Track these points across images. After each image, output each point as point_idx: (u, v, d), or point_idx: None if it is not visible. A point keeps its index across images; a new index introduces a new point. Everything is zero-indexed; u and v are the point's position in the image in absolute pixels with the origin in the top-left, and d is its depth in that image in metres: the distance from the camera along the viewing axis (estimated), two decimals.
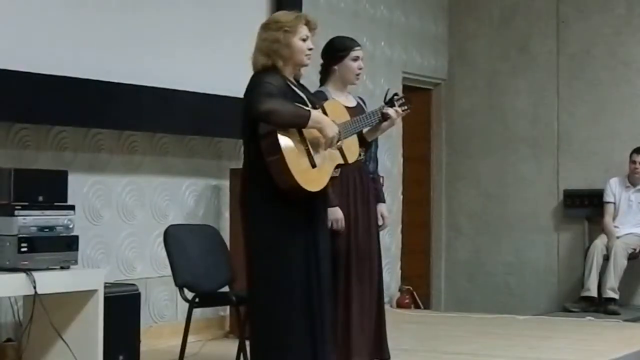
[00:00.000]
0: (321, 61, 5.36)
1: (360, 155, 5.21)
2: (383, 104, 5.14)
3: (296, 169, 4.34)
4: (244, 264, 4.58)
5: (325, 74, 5.34)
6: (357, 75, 5.31)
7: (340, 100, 5.19)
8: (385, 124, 5.09)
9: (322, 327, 4.50)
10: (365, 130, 5.06)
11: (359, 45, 5.35)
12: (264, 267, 4.44)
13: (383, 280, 5.50)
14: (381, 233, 5.50)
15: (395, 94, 5.19)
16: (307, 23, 4.53)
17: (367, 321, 5.25)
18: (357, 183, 5.27)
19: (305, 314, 4.44)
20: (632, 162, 9.15)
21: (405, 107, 5.15)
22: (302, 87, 4.64)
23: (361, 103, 5.40)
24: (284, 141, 4.35)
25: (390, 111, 5.05)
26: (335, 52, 5.30)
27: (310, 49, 4.53)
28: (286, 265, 4.41)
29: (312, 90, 5.12)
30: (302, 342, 4.43)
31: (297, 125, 4.39)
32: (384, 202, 5.53)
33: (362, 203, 5.28)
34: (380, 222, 5.47)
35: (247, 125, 4.44)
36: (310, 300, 4.45)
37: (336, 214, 5.08)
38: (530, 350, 6.71)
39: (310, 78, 5.87)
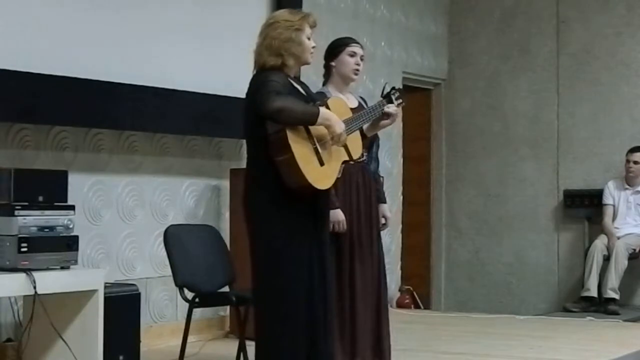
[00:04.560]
0: (323, 63, 5.40)
1: (362, 155, 5.23)
2: (381, 98, 5.14)
3: (306, 168, 4.33)
4: (244, 264, 4.57)
5: (327, 75, 5.38)
6: (355, 70, 5.31)
7: None
8: (386, 121, 5.09)
9: (325, 328, 4.49)
10: (365, 125, 5.06)
11: (357, 42, 5.38)
12: (269, 269, 4.42)
13: (386, 281, 5.51)
14: (381, 233, 5.51)
15: (393, 88, 5.19)
16: (310, 23, 4.54)
17: (370, 321, 5.26)
18: (359, 183, 5.28)
19: (308, 316, 4.43)
20: (627, 161, 9.16)
21: (401, 101, 5.17)
22: (303, 85, 4.65)
23: (362, 103, 5.41)
24: (293, 140, 4.33)
25: (392, 109, 5.05)
26: (333, 48, 5.36)
27: (313, 47, 4.55)
28: (292, 266, 4.39)
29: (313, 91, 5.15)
30: (305, 345, 4.42)
31: (307, 123, 4.38)
32: (385, 202, 5.54)
33: (365, 203, 5.29)
34: (382, 222, 5.48)
35: (252, 124, 4.41)
36: (313, 302, 4.44)
37: (338, 216, 5.08)
38: (530, 350, 6.71)
39: (309, 78, 5.87)
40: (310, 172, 4.34)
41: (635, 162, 9.10)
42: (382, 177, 5.61)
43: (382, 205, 5.49)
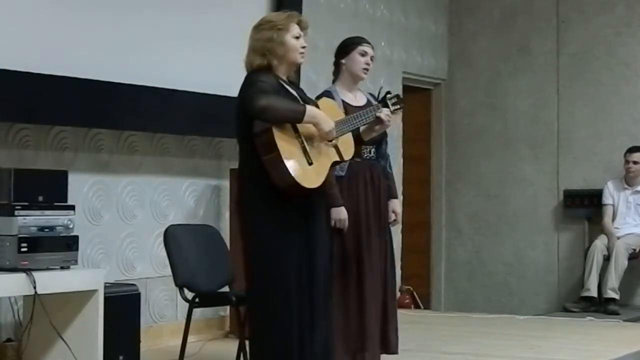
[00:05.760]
0: (329, 65, 5.43)
1: (370, 153, 5.26)
2: (376, 102, 5.15)
3: (293, 167, 4.33)
4: (243, 264, 4.58)
5: (336, 72, 5.41)
6: (365, 69, 5.34)
7: (347, 99, 5.28)
8: (377, 126, 5.10)
9: (312, 324, 4.49)
10: (362, 128, 5.07)
11: (368, 42, 5.42)
12: (260, 267, 4.44)
13: (395, 276, 5.54)
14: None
15: (388, 92, 5.19)
16: (299, 22, 4.55)
17: (381, 316, 5.29)
18: (367, 180, 5.30)
19: (298, 313, 4.43)
20: (626, 161, 9.17)
21: (398, 107, 5.17)
22: (296, 87, 4.65)
23: (372, 100, 5.42)
24: (280, 138, 4.33)
25: (382, 115, 5.04)
26: (345, 47, 5.40)
27: (303, 47, 4.54)
28: (282, 265, 4.40)
29: (320, 91, 5.18)
30: (296, 340, 4.42)
31: (292, 120, 4.39)
32: (396, 197, 5.56)
33: (373, 200, 5.32)
34: (392, 218, 5.49)
35: (242, 124, 4.43)
36: (302, 299, 4.44)
37: (340, 214, 5.10)
38: (530, 350, 6.71)
39: (310, 78, 5.87)
40: (297, 171, 4.34)
41: (635, 162, 9.11)
42: (392, 172, 5.61)
43: (393, 200, 5.51)
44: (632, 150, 9.15)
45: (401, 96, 5.28)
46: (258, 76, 4.41)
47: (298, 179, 4.34)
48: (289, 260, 4.41)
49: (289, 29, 4.49)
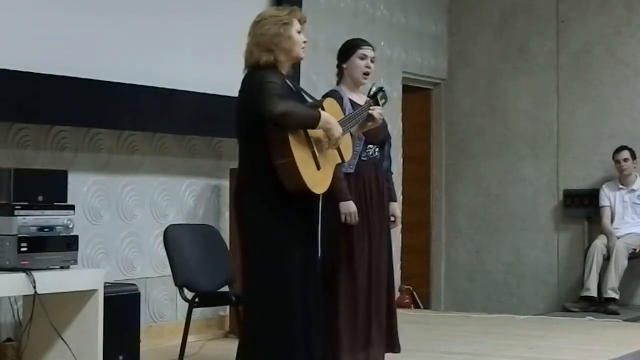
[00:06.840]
0: (329, 64, 5.42)
1: (375, 153, 5.31)
2: (368, 98, 5.16)
3: (305, 173, 4.33)
4: (241, 265, 4.57)
5: (339, 75, 5.42)
6: (365, 74, 5.34)
7: (354, 99, 5.31)
8: (370, 124, 5.11)
9: (313, 327, 4.47)
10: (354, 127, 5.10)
11: (368, 45, 5.40)
12: (262, 268, 4.41)
13: (394, 276, 5.55)
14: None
15: (380, 89, 5.20)
16: (299, 18, 4.54)
17: (383, 315, 5.31)
18: (372, 181, 5.34)
19: (301, 316, 4.41)
20: (617, 162, 9.21)
21: (384, 101, 5.19)
22: (293, 82, 4.64)
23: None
24: (295, 144, 4.32)
25: (375, 113, 5.06)
26: (345, 50, 5.40)
27: (304, 42, 4.53)
28: (284, 268, 4.39)
29: (320, 90, 5.18)
30: (297, 342, 4.41)
31: (309, 127, 4.38)
32: (395, 200, 5.59)
33: (377, 200, 5.35)
34: (392, 220, 5.52)
35: (248, 125, 4.39)
36: (308, 302, 4.43)
37: (350, 208, 5.14)
38: (530, 350, 6.71)
39: (310, 78, 5.86)
40: (309, 177, 4.35)
41: (625, 160, 9.16)
42: (392, 175, 5.63)
43: (393, 204, 5.55)
44: (619, 150, 9.20)
45: (384, 89, 5.27)
46: (266, 76, 4.35)
47: (310, 185, 4.34)
48: (291, 262, 4.39)
49: (293, 24, 4.47)
